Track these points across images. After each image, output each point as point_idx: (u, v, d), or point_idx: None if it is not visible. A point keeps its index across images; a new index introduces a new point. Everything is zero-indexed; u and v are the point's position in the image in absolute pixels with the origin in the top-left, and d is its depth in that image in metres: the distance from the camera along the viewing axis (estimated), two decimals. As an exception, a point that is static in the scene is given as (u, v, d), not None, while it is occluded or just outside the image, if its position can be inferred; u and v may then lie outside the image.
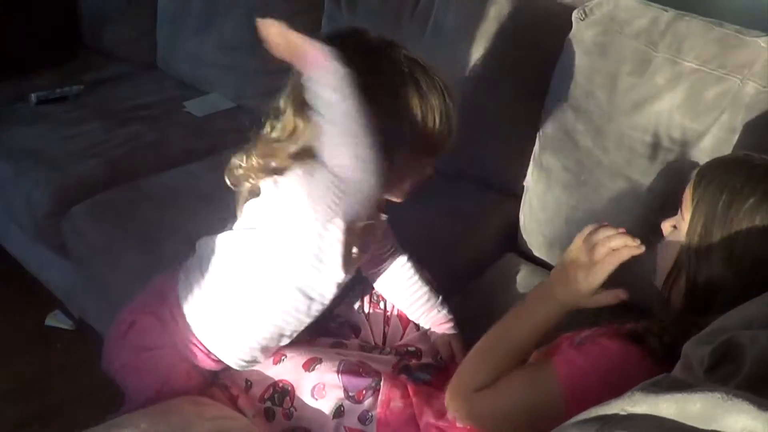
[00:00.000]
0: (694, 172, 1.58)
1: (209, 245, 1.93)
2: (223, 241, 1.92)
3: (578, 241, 1.58)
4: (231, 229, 1.93)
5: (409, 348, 2.09)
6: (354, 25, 1.79)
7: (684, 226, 1.54)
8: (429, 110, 1.68)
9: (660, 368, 1.33)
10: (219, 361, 1.95)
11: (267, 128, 1.81)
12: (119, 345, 2.00)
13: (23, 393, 2.83)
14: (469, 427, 1.71)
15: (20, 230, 3.02)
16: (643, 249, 1.51)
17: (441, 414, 1.79)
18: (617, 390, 1.48)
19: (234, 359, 1.93)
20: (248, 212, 1.88)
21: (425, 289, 2.13)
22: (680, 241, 1.55)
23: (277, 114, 1.78)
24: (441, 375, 1.90)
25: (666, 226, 1.63)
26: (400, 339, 2.14)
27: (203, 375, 1.98)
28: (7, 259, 3.25)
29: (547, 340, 1.70)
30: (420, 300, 2.13)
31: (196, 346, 1.93)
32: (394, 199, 1.86)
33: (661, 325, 1.56)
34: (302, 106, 1.67)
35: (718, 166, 1.56)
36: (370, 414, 1.83)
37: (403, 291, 2.13)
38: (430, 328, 2.14)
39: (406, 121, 1.67)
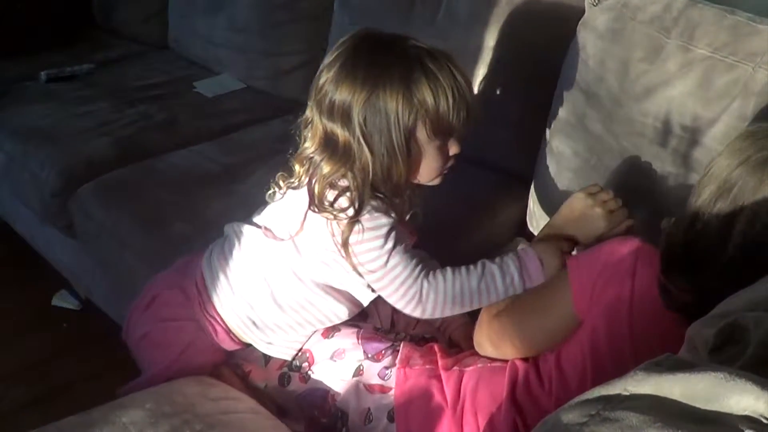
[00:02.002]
0: None
1: (237, 233, 1.99)
2: (250, 233, 1.97)
3: (581, 195, 1.86)
4: (256, 219, 1.98)
5: (425, 336, 2.08)
6: (365, 26, 1.83)
7: None
8: (440, 92, 1.71)
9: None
10: (239, 342, 1.99)
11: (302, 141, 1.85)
12: (141, 317, 2.04)
13: (30, 373, 2.84)
14: (490, 362, 1.79)
15: (28, 209, 3.03)
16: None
17: (461, 362, 1.84)
18: (620, 263, 1.58)
19: (256, 340, 1.97)
20: (275, 214, 1.94)
21: None
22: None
23: (307, 123, 1.83)
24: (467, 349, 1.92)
25: None
26: (413, 329, 2.12)
27: (221, 352, 2.01)
28: (14, 238, 3.26)
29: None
30: None
31: (220, 324, 1.97)
32: (425, 182, 1.89)
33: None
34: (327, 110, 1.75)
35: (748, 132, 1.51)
36: (389, 370, 1.85)
37: None
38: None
39: (418, 105, 1.70)
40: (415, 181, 1.87)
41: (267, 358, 1.95)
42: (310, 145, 1.81)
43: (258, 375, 1.92)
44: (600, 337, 1.58)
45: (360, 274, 1.83)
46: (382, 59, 1.72)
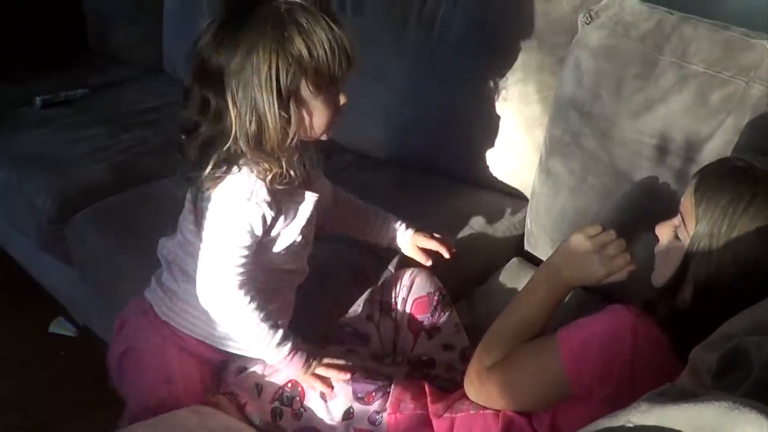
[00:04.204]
0: (693, 179, 1.59)
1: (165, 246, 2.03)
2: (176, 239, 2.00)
3: (582, 237, 1.73)
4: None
5: (422, 357, 2.09)
6: None
7: (686, 232, 1.57)
8: (316, 44, 1.67)
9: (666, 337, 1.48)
10: (215, 349, 1.99)
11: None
12: (115, 343, 2.05)
13: (27, 400, 2.82)
14: (482, 410, 1.75)
15: (24, 237, 3.01)
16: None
17: (452, 407, 1.82)
18: (614, 347, 1.53)
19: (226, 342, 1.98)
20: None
21: (374, 207, 2.24)
22: (683, 246, 1.57)
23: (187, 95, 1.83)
24: (459, 387, 1.89)
25: (663, 231, 1.67)
26: (411, 350, 2.12)
27: (205, 369, 2.01)
28: (11, 265, 3.24)
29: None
30: (379, 219, 2.23)
31: (188, 337, 1.98)
32: (316, 137, 1.85)
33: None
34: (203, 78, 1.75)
35: (717, 171, 1.58)
36: (380, 416, 1.83)
37: (370, 224, 2.24)
38: (396, 241, 2.22)
39: (296, 62, 1.67)
40: (304, 138, 1.83)
41: (259, 388, 1.93)
42: (188, 114, 1.81)
43: (253, 408, 1.90)
44: (602, 407, 1.57)
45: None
46: (255, 19, 1.68)
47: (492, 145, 2.62)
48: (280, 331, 1.85)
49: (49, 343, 3.10)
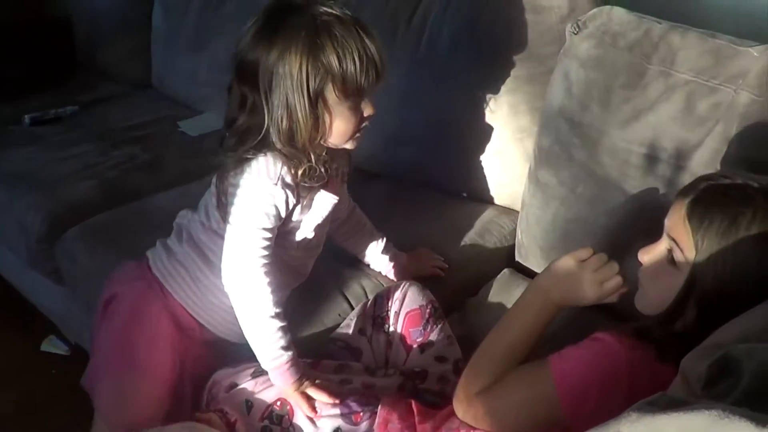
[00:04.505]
0: (681, 204, 1.57)
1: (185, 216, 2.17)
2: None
3: (572, 260, 1.70)
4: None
5: (415, 369, 2.07)
6: None
7: (684, 258, 1.54)
8: (347, 55, 1.79)
9: (663, 366, 1.43)
10: (190, 316, 2.10)
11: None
12: (102, 323, 2.15)
13: (19, 420, 2.81)
14: (471, 430, 1.72)
15: (14, 255, 3.00)
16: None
17: (440, 428, 1.80)
18: (611, 383, 1.51)
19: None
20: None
21: (376, 232, 2.37)
22: (681, 273, 1.55)
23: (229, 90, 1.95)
24: (448, 402, 1.88)
25: (649, 257, 1.65)
26: (404, 363, 2.11)
27: (176, 331, 2.08)
28: (1, 283, 3.24)
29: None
30: (380, 245, 2.36)
31: (170, 296, 2.09)
32: (340, 145, 1.97)
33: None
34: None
35: (708, 193, 1.55)
36: None
37: (372, 247, 2.37)
38: (391, 265, 2.37)
39: (324, 68, 1.79)
40: (330, 144, 1.94)
41: (249, 405, 1.93)
42: (230, 109, 1.93)
43: (242, 425, 1.89)
44: None
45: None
46: (291, 24, 1.79)
47: (482, 156, 2.61)
48: (288, 337, 1.91)
49: (41, 362, 3.09)
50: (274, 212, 1.90)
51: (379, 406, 1.86)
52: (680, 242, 1.54)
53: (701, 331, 1.45)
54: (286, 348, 1.89)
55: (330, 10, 1.84)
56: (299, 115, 1.82)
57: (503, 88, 2.53)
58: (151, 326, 2.06)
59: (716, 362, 0.98)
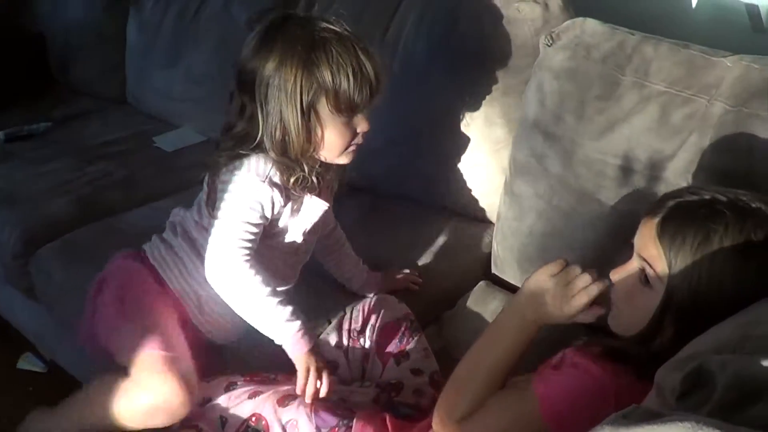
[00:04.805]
0: (651, 224, 1.55)
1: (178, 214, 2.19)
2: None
3: (544, 275, 1.63)
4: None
5: (391, 381, 2.07)
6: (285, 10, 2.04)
7: (657, 277, 1.52)
8: (341, 71, 1.83)
9: (642, 382, 1.37)
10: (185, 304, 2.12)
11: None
12: (94, 307, 2.17)
13: (-4, 438, 2.78)
14: None
15: (-11, 272, 2.97)
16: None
17: None
18: (599, 410, 1.48)
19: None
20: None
21: (354, 256, 2.39)
22: (656, 292, 1.53)
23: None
24: (423, 415, 1.87)
25: (622, 278, 1.61)
26: (380, 376, 2.11)
27: (170, 315, 2.10)
28: (-24, 301, 3.20)
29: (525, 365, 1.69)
30: (359, 265, 2.38)
31: (166, 285, 2.13)
32: (333, 160, 2.01)
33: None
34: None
35: (677, 211, 1.53)
36: None
37: (350, 266, 2.38)
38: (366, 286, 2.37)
39: (318, 83, 1.83)
40: (322, 157, 1.98)
41: (223, 420, 1.92)
42: (233, 117, 1.96)
43: None
44: None
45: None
46: (290, 38, 1.84)
47: (458, 168, 2.61)
48: (290, 308, 1.94)
49: (17, 379, 3.06)
50: (258, 208, 1.92)
51: (354, 420, 1.85)
52: (652, 262, 1.52)
53: (679, 347, 1.46)
54: (293, 318, 1.93)
55: (331, 27, 1.87)
56: (292, 126, 1.86)
57: (478, 101, 2.53)
58: (149, 289, 2.12)
59: (690, 374, 0.98)
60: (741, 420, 0.89)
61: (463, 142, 2.59)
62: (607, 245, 2.09)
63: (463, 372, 1.70)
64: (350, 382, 2.09)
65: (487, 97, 2.53)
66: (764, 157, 1.88)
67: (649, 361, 1.46)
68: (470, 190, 2.65)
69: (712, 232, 1.46)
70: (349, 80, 1.83)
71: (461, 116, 2.57)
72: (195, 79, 3.38)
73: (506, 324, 1.69)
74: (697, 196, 1.54)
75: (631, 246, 1.62)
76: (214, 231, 1.94)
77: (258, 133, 1.89)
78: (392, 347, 2.12)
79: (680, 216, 1.51)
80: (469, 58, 2.54)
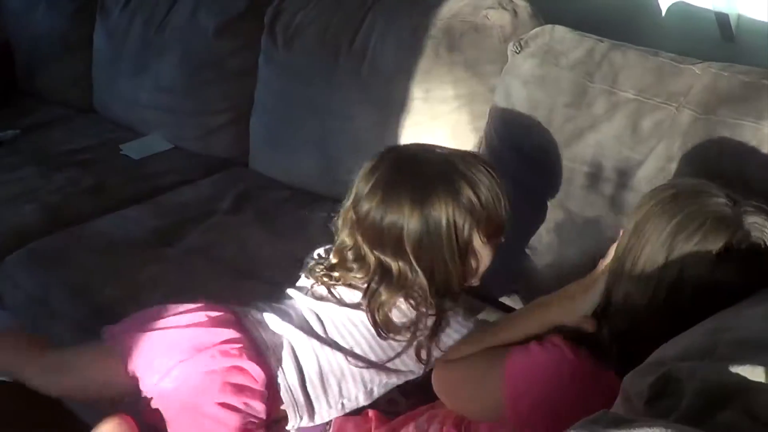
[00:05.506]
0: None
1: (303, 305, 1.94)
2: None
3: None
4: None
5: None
6: (387, 146, 1.95)
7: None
8: (482, 192, 1.76)
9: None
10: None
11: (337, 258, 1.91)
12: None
13: (-40, 449, 2.75)
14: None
15: (-46, 281, 2.94)
16: None
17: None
18: (560, 390, 1.53)
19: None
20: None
21: None
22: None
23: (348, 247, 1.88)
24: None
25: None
26: None
27: None
28: (-60, 311, 3.17)
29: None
30: None
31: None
32: (476, 283, 1.94)
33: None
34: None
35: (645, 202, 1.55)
36: None
37: None
38: None
39: (468, 210, 1.75)
40: (472, 284, 1.92)
41: None
42: (361, 275, 1.84)
43: None
44: None
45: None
46: (421, 175, 1.78)
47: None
48: None
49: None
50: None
51: (332, 421, 1.85)
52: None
53: (626, 334, 1.49)
54: None
55: (445, 149, 1.87)
56: (450, 268, 1.79)
57: (446, 108, 2.53)
58: None
59: (657, 380, 0.98)
60: (709, 427, 0.89)
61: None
62: (575, 253, 2.10)
63: (478, 334, 1.81)
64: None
65: (456, 103, 2.52)
66: (733, 164, 1.88)
67: (605, 347, 1.50)
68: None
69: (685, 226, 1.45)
70: (492, 200, 1.78)
71: (430, 123, 2.56)
72: (162, 87, 3.36)
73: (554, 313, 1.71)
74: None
75: (598, 250, 1.65)
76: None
77: (414, 289, 1.79)
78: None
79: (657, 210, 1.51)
80: (436, 65, 2.53)
